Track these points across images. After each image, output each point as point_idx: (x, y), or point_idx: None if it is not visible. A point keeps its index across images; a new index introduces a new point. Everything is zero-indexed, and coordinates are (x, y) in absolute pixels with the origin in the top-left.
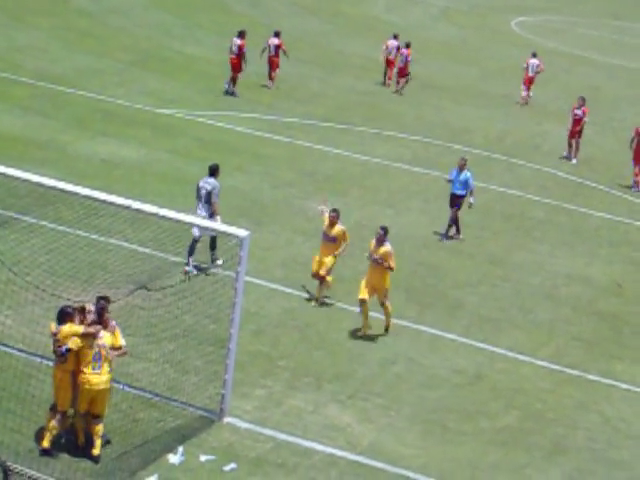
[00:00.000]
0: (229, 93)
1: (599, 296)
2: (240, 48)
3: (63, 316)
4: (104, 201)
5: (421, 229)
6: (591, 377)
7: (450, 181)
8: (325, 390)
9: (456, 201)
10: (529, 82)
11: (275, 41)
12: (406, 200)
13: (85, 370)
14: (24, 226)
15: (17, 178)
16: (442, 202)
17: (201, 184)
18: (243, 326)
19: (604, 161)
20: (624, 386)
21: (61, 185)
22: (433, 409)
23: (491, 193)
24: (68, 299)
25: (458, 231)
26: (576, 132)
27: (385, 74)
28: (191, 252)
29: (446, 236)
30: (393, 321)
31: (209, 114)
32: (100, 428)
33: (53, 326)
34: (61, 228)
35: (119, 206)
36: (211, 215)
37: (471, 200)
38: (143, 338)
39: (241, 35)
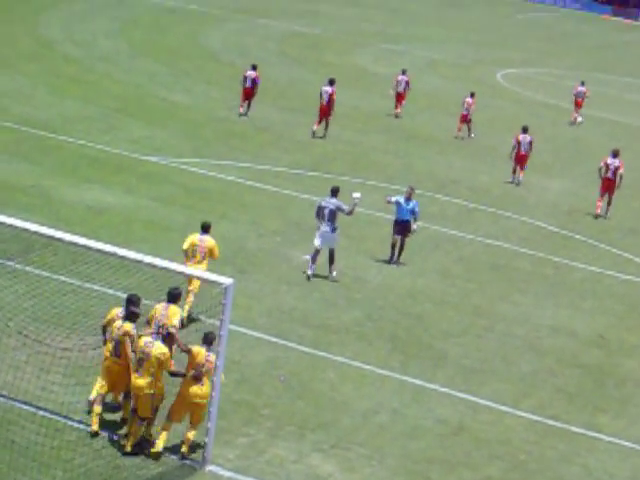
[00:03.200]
0: (324, 136)
1: (583, 348)
2: (331, 95)
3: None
4: (89, 247)
5: (406, 279)
6: (575, 429)
7: (389, 202)
8: (308, 439)
9: (402, 227)
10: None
11: (252, 74)
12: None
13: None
14: (8, 271)
15: (2, 223)
16: (426, 253)
17: (323, 204)
18: (226, 374)
19: (589, 213)
20: (608, 439)
21: (46, 231)
22: (416, 460)
23: (477, 244)
24: (51, 346)
25: (399, 256)
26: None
27: (395, 106)
28: (314, 259)
29: (396, 261)
30: (377, 371)
31: (195, 162)
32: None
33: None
34: (45, 274)
35: (104, 253)
36: (334, 229)
37: (414, 227)
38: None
39: (331, 83)
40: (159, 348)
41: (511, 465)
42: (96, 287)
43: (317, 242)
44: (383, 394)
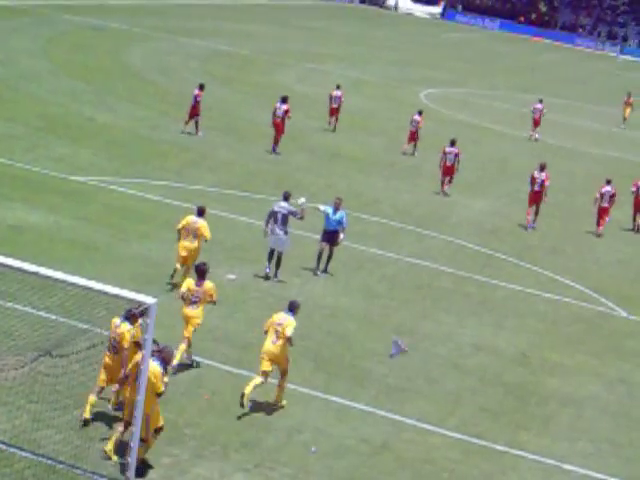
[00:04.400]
0: (276, 153)
1: (506, 366)
2: (286, 112)
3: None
4: (11, 267)
5: (329, 298)
6: (498, 447)
7: (318, 209)
8: (231, 459)
9: (330, 237)
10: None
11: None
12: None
13: None
14: None
15: None
16: (350, 272)
17: (276, 209)
18: None
19: (512, 232)
20: (530, 456)
21: None
22: (340, 479)
23: (400, 263)
24: None
25: (327, 264)
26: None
27: (329, 121)
28: (269, 260)
29: (324, 270)
30: (301, 390)
31: (119, 181)
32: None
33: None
34: None
35: (26, 272)
36: (286, 233)
37: (342, 236)
38: (48, 404)
39: (284, 100)
40: (152, 368)
41: None
42: (17, 306)
43: (270, 243)
44: (307, 413)
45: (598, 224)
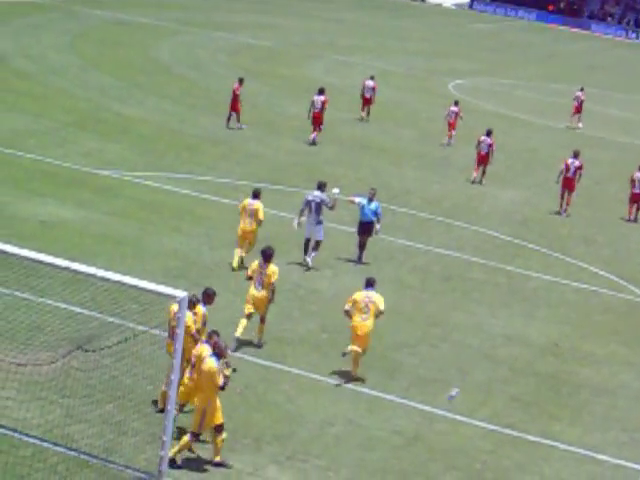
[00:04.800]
0: (313, 143)
1: (537, 357)
2: (324, 104)
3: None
4: (42, 262)
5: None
6: (530, 438)
7: (352, 202)
8: (264, 451)
9: (365, 228)
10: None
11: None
12: (345, 261)
13: None
14: None
15: None
16: (380, 263)
17: (310, 198)
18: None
19: (542, 222)
20: (562, 446)
21: None
22: (372, 470)
23: (430, 254)
24: (5, 361)
25: (361, 255)
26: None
27: (363, 110)
28: (305, 250)
29: (360, 261)
30: (332, 382)
31: (148, 175)
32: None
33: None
34: None
35: (57, 267)
36: (319, 222)
37: (378, 227)
38: (80, 399)
39: (322, 92)
40: (208, 363)
41: (467, 475)
42: (49, 301)
43: (305, 233)
44: (338, 406)
45: (630, 211)
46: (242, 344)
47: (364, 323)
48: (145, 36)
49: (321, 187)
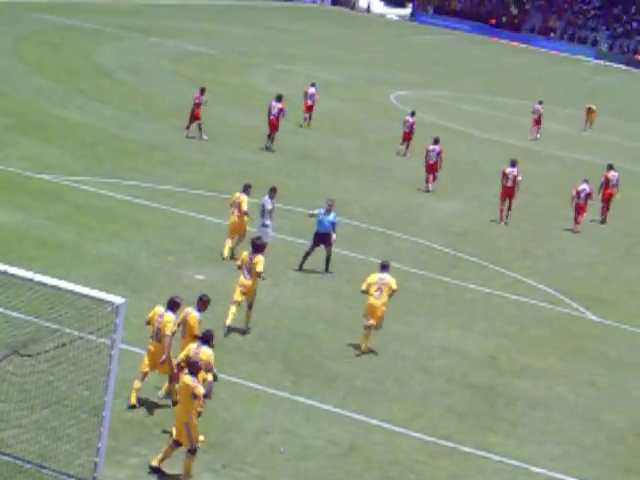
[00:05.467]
0: (268, 149)
1: (473, 368)
2: (280, 110)
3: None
4: None
5: (298, 299)
6: (465, 449)
7: (312, 215)
8: (199, 459)
9: (323, 238)
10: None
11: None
12: (283, 270)
13: None
14: None
15: None
16: (320, 273)
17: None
18: (118, 394)
19: (481, 234)
20: (497, 458)
21: None
22: None
23: (369, 265)
24: None
25: (327, 265)
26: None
27: (305, 117)
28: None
29: (327, 270)
30: (269, 391)
31: (87, 180)
32: None
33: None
34: None
35: None
36: (263, 225)
37: (334, 236)
38: (15, 404)
39: (279, 99)
40: (185, 378)
41: None
42: None
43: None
44: (275, 414)
45: (576, 221)
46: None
47: (378, 302)
48: (88, 41)
49: (270, 192)
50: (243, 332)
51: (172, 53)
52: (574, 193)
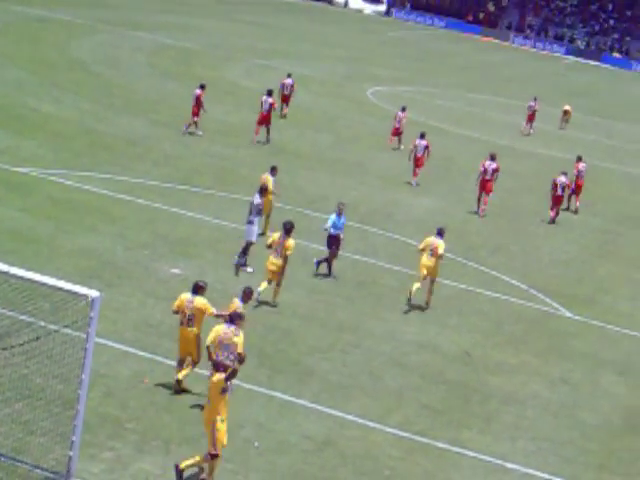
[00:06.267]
0: (268, 142)
1: (448, 364)
2: (272, 105)
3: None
4: None
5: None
6: (439, 445)
7: (327, 229)
8: (174, 454)
9: (333, 240)
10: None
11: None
12: (259, 265)
13: None
14: None
15: None
16: (294, 268)
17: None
18: (92, 387)
19: (457, 230)
20: (472, 454)
21: None
22: (282, 475)
23: (344, 260)
24: None
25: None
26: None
27: (281, 108)
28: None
29: (329, 273)
30: (244, 386)
31: (63, 173)
32: None
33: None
34: None
35: None
36: (249, 222)
37: (342, 236)
38: None
39: (270, 94)
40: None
41: None
42: None
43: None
44: (249, 409)
45: (553, 212)
46: (155, 346)
47: (430, 260)
48: (64, 33)
49: (261, 190)
50: (274, 306)
51: (148, 46)
52: (552, 185)
